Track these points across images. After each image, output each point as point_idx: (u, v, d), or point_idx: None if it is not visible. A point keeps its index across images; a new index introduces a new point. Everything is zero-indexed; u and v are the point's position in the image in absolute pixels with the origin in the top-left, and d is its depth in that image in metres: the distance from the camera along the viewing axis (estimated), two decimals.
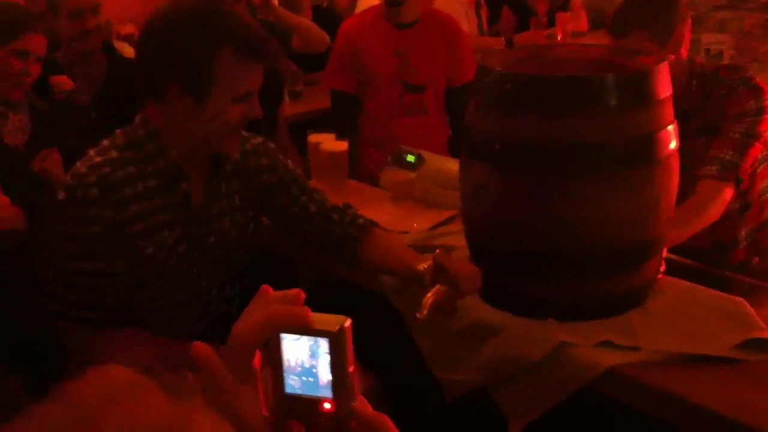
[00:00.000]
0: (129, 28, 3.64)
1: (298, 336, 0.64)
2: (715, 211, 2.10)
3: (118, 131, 1.72)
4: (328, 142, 2.60)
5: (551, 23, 4.64)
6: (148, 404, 0.47)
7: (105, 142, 1.71)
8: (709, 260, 2.22)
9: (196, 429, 0.48)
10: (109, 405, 0.47)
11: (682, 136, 1.75)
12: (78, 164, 1.69)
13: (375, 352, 2.10)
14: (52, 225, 1.69)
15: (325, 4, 4.29)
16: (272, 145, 1.90)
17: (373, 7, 3.19)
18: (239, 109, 1.64)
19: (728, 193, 2.11)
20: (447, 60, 3.07)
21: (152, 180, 1.68)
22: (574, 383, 1.61)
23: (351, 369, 0.65)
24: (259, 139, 1.88)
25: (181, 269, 1.76)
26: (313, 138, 2.63)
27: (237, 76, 1.62)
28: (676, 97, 1.73)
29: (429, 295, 1.64)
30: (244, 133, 1.80)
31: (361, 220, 1.89)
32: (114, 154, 1.67)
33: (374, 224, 1.91)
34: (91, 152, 1.70)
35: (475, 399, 1.78)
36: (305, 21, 3.65)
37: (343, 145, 2.57)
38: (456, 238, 2.02)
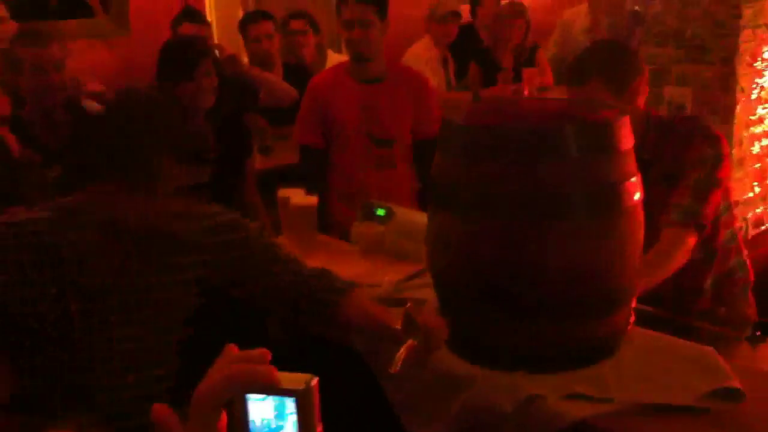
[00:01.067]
0: (97, 86, 3.63)
1: (263, 396, 0.63)
2: (680, 258, 2.11)
3: (59, 199, 1.70)
4: (298, 196, 2.60)
5: (518, 77, 4.73)
6: None
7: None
8: (673, 308, 2.23)
9: None
10: None
11: (644, 186, 1.77)
12: None
13: (347, 409, 2.07)
14: None
15: (293, 61, 4.34)
16: (245, 222, 1.84)
17: (340, 63, 3.23)
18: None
19: (691, 240, 2.12)
20: (413, 114, 3.11)
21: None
22: None
23: (319, 429, 0.64)
24: (234, 215, 1.83)
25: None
26: (283, 192, 2.63)
27: (174, 176, 1.66)
28: (635, 147, 1.75)
29: (402, 350, 1.64)
30: (215, 208, 1.80)
31: (338, 284, 1.84)
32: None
33: (353, 285, 1.87)
34: None
35: None
36: (271, 76, 3.68)
37: (312, 200, 2.58)
38: (427, 291, 2.01)
